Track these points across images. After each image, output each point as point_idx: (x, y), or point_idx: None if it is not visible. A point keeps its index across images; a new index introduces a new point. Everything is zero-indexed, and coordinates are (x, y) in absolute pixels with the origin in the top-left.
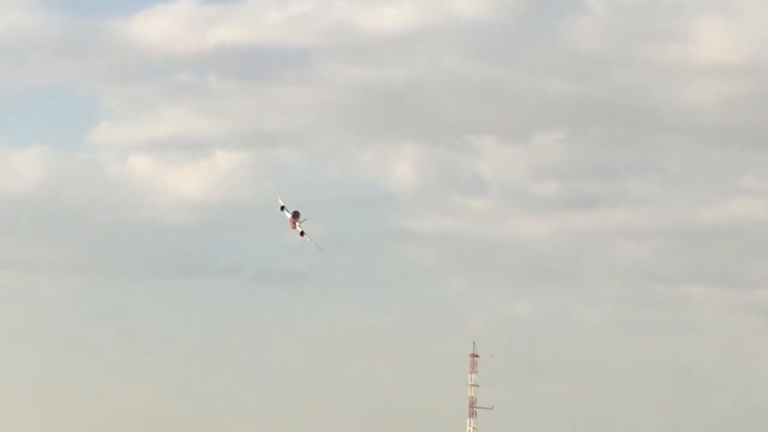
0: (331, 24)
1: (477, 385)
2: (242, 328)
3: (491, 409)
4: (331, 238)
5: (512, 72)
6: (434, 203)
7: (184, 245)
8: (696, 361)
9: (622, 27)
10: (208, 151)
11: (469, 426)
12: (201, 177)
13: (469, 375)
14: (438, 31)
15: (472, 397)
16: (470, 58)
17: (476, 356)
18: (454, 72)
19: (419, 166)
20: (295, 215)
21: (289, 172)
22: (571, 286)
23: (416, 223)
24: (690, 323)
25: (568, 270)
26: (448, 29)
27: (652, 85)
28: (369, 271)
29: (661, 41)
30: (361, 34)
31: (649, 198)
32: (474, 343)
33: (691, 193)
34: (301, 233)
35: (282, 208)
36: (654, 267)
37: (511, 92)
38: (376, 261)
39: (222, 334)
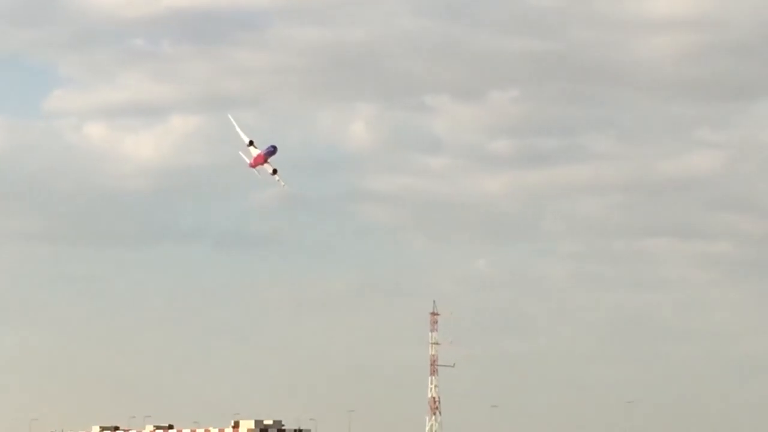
0: None
1: (438, 343)
2: (205, 292)
3: (453, 366)
4: (291, 201)
5: (467, 30)
6: (391, 163)
7: (144, 211)
8: (657, 313)
9: None
10: (164, 116)
11: (431, 384)
12: (158, 142)
13: (430, 333)
14: None
15: (433, 355)
16: (425, 17)
17: (436, 314)
18: (408, 32)
19: (376, 127)
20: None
21: (246, 134)
22: (530, 243)
23: (374, 183)
24: (650, 277)
25: (527, 226)
26: None
27: (607, 40)
28: (329, 233)
29: None
30: None
31: (606, 153)
32: (434, 302)
33: (647, 148)
34: (274, 171)
35: (251, 143)
36: (613, 222)
37: (466, 51)
38: (335, 222)
39: (185, 299)
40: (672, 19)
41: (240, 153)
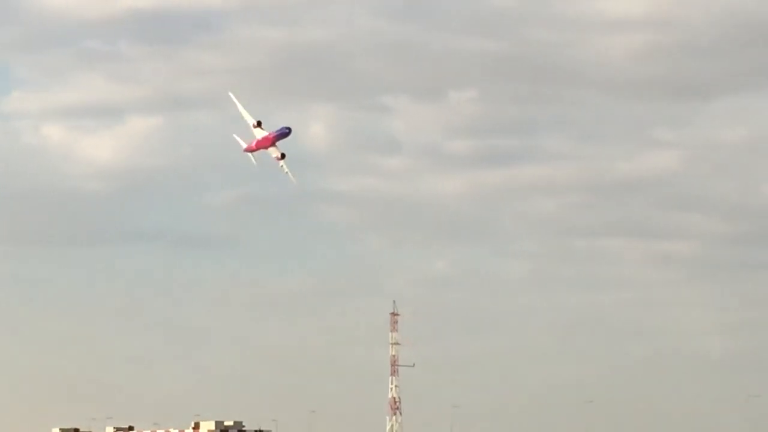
0: None
1: (398, 344)
2: (165, 293)
3: (413, 366)
4: (250, 202)
5: (425, 31)
6: (350, 163)
7: (102, 212)
8: (615, 312)
9: None
10: (122, 116)
11: (392, 384)
12: (116, 143)
13: (390, 333)
14: None
15: (394, 356)
16: (382, 17)
17: (396, 314)
18: (366, 32)
19: (334, 127)
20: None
21: (204, 135)
22: (488, 242)
23: (333, 184)
24: (607, 276)
25: (485, 226)
26: None
27: (564, 40)
28: (288, 233)
29: None
30: None
31: (563, 153)
32: (394, 302)
33: (604, 147)
34: (282, 156)
35: (258, 123)
36: (570, 221)
37: (424, 51)
38: (294, 222)
39: (145, 300)
40: (628, 19)
41: (234, 136)
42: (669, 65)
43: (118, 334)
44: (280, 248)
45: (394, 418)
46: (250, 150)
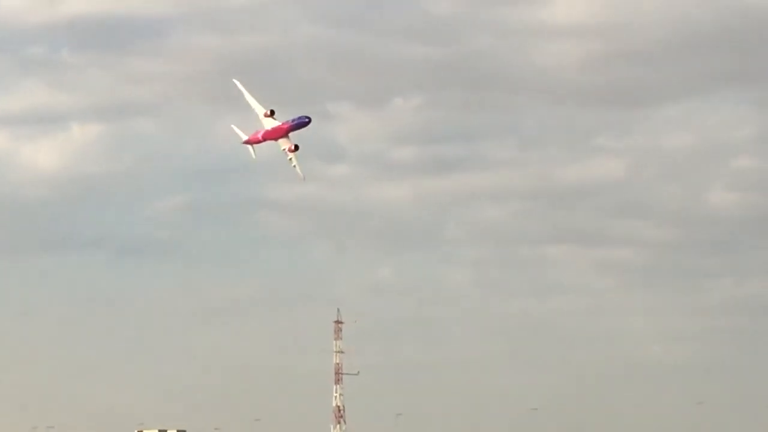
0: None
1: (342, 352)
2: (107, 300)
3: (357, 374)
4: (192, 210)
5: (368, 38)
6: (293, 171)
7: (43, 220)
8: (559, 319)
9: None
10: (63, 124)
11: (336, 392)
12: (58, 151)
13: (334, 342)
14: None
15: (338, 364)
16: (326, 25)
17: (340, 322)
18: (309, 39)
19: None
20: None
21: (146, 143)
22: (433, 250)
23: (276, 192)
24: (552, 283)
25: (430, 234)
26: None
27: (507, 47)
28: (232, 241)
29: (515, 4)
30: (215, 3)
31: (508, 160)
32: (338, 310)
33: (548, 155)
34: (295, 147)
35: (271, 112)
36: (515, 228)
37: (367, 58)
38: (238, 230)
39: (87, 307)
40: (572, 27)
41: (233, 126)
42: (612, 73)
43: (60, 341)
44: (224, 256)
45: (338, 426)
46: (252, 142)
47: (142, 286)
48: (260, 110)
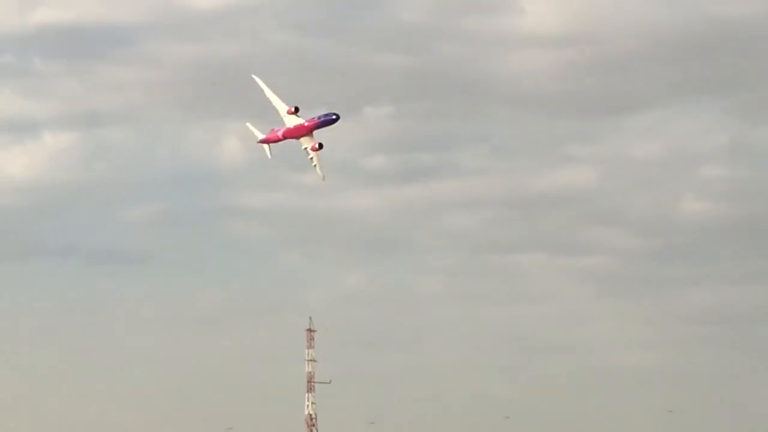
0: (156, 2)
1: (314, 360)
2: (78, 309)
3: (329, 383)
4: (164, 218)
5: (340, 46)
6: (265, 179)
7: (15, 228)
8: (531, 327)
9: None
10: (35, 132)
11: (308, 401)
12: (30, 159)
13: (306, 350)
14: (262, 6)
15: (310, 372)
16: (296, 32)
17: (313, 331)
18: (280, 47)
19: (249, 143)
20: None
21: (118, 151)
22: (405, 258)
23: (248, 200)
24: (523, 291)
25: (401, 242)
26: (273, 4)
27: (479, 56)
28: (203, 249)
29: (486, 12)
30: (186, 12)
31: (479, 168)
32: (310, 318)
33: (519, 163)
34: (319, 146)
35: (296, 109)
36: (486, 237)
37: (339, 66)
38: (210, 239)
39: (57, 316)
40: (543, 35)
41: (248, 125)
42: (584, 82)
43: (30, 350)
44: (196, 265)
45: None
46: (270, 140)
47: (114, 294)
48: (282, 107)
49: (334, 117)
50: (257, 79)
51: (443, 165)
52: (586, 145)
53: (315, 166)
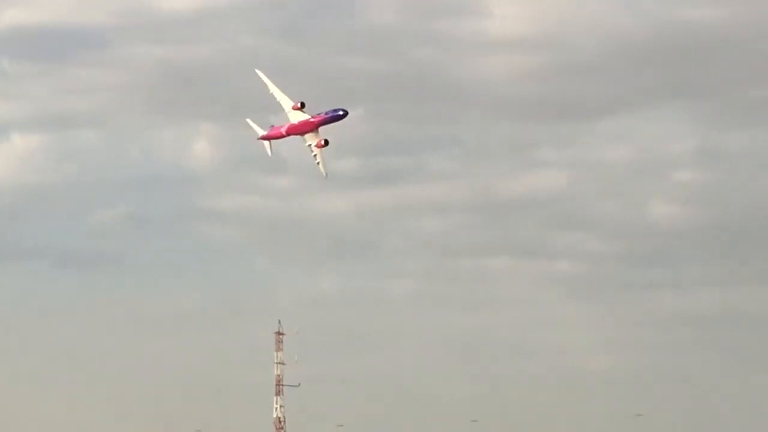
0: (126, 3)
1: (283, 363)
2: (48, 312)
3: (298, 386)
4: (135, 220)
5: (309, 49)
6: (235, 182)
7: None
8: (500, 331)
9: (417, 2)
10: (4, 134)
11: (276, 404)
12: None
13: (275, 353)
14: (233, 9)
15: (279, 375)
16: (267, 35)
17: (282, 334)
18: (250, 50)
19: (219, 145)
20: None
21: (88, 153)
22: (375, 262)
23: (218, 202)
24: (493, 295)
25: (371, 245)
26: (244, 6)
27: (448, 59)
28: (173, 252)
29: (455, 15)
30: (156, 14)
31: (449, 172)
32: (279, 321)
33: (489, 167)
34: (325, 142)
35: (302, 105)
36: (456, 241)
37: (308, 69)
38: (179, 241)
39: (28, 319)
40: (513, 39)
41: (248, 121)
42: (553, 86)
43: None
44: (165, 267)
45: None
46: (272, 137)
47: (83, 296)
48: (287, 103)
49: (341, 113)
50: (260, 73)
51: (414, 168)
52: (555, 149)
53: (318, 163)
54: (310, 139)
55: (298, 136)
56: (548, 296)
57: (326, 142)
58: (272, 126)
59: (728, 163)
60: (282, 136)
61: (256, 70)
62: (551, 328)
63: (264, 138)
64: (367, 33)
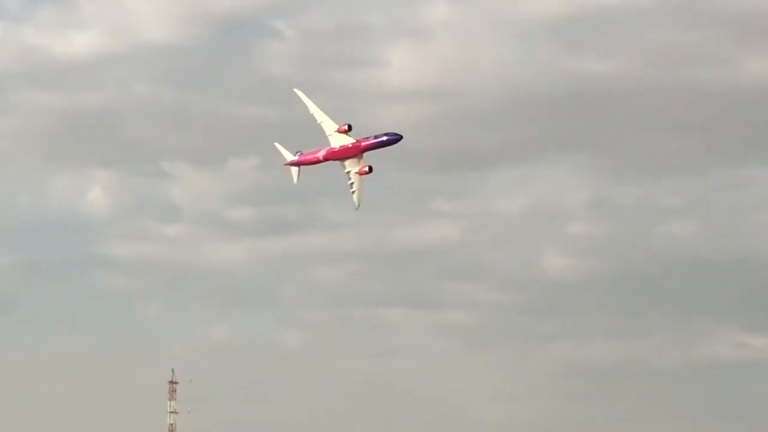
0: (20, 50)
1: (176, 412)
2: None
3: None
4: (28, 267)
5: (205, 97)
6: (129, 229)
7: None
8: (395, 380)
9: (313, 52)
10: None
11: None
12: None
13: (168, 402)
14: (128, 57)
15: (172, 424)
16: (162, 83)
17: (175, 383)
18: (145, 97)
19: (113, 193)
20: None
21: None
22: (269, 310)
23: (111, 250)
24: (387, 345)
25: (265, 294)
26: (138, 54)
27: (345, 109)
28: (66, 299)
29: (352, 66)
30: (50, 60)
31: (343, 222)
32: (173, 370)
33: (383, 217)
34: (369, 169)
35: (349, 128)
36: (350, 290)
37: (205, 117)
38: (72, 289)
39: None
40: (408, 90)
41: (276, 144)
42: (447, 136)
43: None
44: (56, 314)
45: None
46: (304, 162)
47: None
48: (331, 125)
49: (395, 137)
50: (300, 93)
51: (309, 217)
52: (449, 199)
53: (353, 192)
54: (351, 165)
55: (338, 162)
56: (443, 346)
57: (370, 169)
58: (299, 152)
59: (622, 215)
60: (318, 162)
61: (295, 90)
62: (446, 378)
63: (293, 164)
64: (264, 83)
